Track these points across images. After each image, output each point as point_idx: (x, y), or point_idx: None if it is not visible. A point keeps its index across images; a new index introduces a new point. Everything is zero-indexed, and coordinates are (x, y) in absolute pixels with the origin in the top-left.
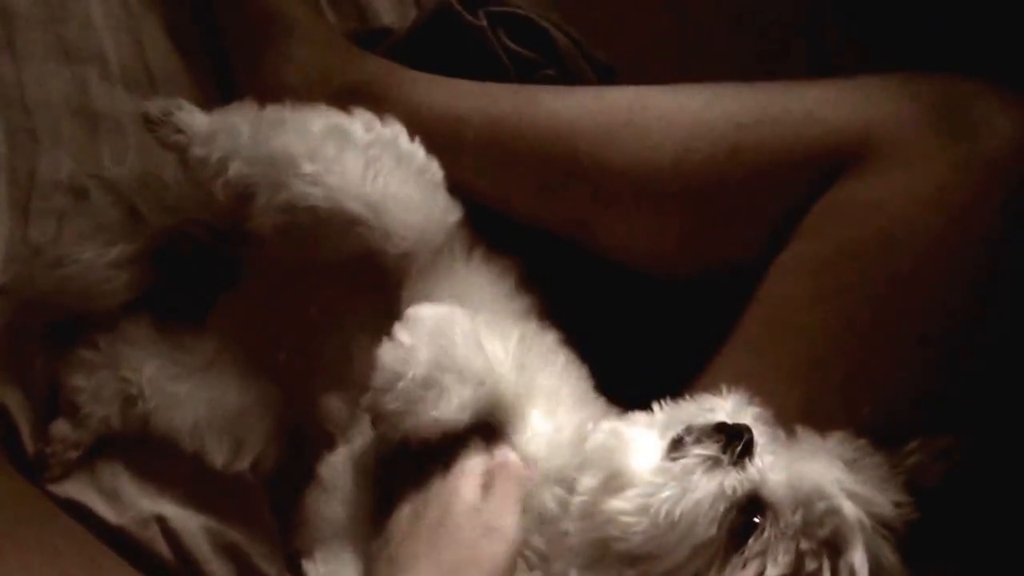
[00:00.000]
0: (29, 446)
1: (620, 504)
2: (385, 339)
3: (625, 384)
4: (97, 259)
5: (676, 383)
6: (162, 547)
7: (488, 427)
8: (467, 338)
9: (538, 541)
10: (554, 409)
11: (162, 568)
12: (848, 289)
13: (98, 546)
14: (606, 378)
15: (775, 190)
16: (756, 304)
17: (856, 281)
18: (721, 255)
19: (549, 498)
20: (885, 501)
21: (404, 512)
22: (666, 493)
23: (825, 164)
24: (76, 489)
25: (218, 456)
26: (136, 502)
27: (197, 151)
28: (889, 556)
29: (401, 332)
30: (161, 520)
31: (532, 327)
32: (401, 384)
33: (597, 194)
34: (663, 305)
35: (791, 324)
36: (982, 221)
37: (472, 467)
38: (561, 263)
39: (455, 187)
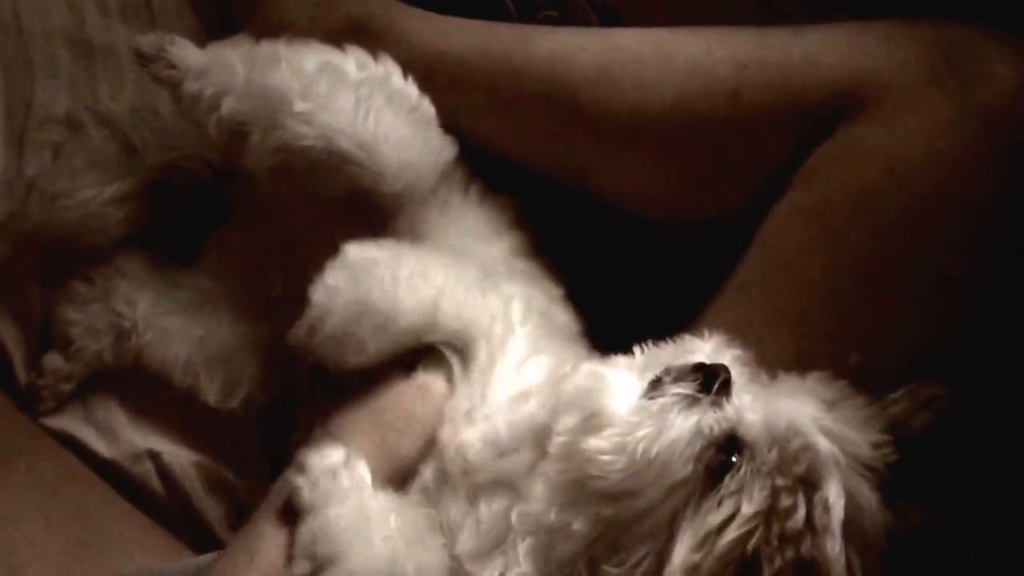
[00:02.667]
0: (22, 378)
1: (598, 443)
2: (317, 278)
3: (622, 331)
4: (93, 197)
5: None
6: (155, 482)
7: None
8: (391, 282)
9: (490, 463)
10: (533, 347)
11: (155, 503)
12: (842, 237)
13: (89, 481)
14: (602, 324)
15: (774, 135)
16: (751, 251)
17: (850, 229)
18: (720, 200)
19: (501, 425)
20: (863, 440)
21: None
22: (643, 431)
23: (824, 110)
24: (69, 422)
25: (210, 392)
26: (129, 437)
27: (190, 86)
28: (867, 494)
29: (330, 272)
30: (154, 455)
31: (506, 264)
32: (323, 329)
33: (597, 137)
34: (662, 252)
35: (784, 271)
36: (977, 170)
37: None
38: (559, 207)
39: (452, 128)
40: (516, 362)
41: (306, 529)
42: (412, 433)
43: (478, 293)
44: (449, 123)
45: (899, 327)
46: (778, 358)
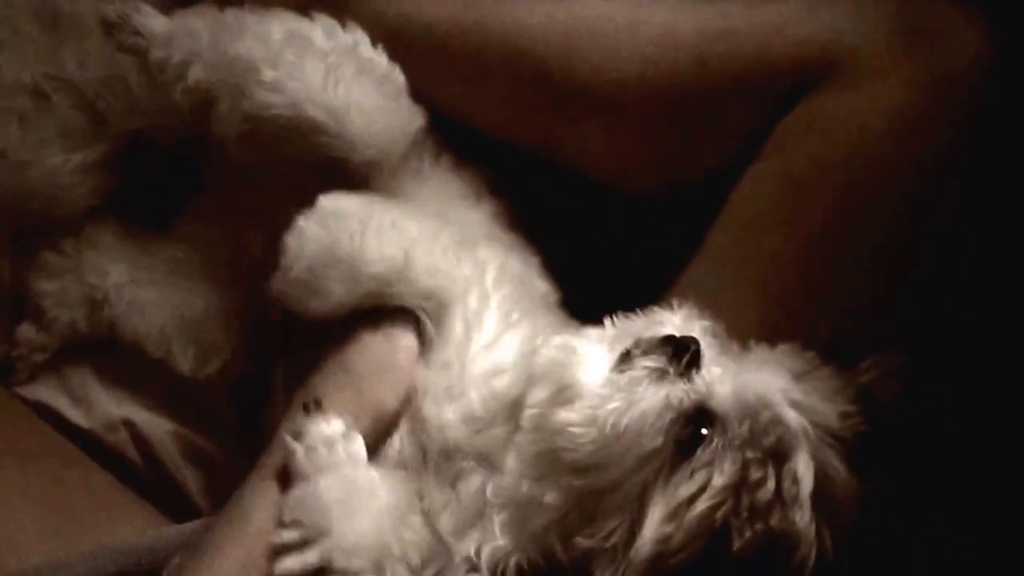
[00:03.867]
0: None
1: (568, 415)
2: (292, 225)
3: (595, 302)
4: (62, 165)
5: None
6: (131, 451)
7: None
8: (362, 231)
9: (467, 441)
10: (506, 319)
11: (132, 473)
12: (808, 205)
13: (67, 452)
14: (575, 295)
15: (742, 104)
16: (720, 220)
17: (818, 197)
18: (688, 169)
19: (475, 401)
20: (831, 411)
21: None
22: (613, 404)
23: (792, 78)
24: (45, 392)
25: (184, 362)
26: (104, 406)
27: (156, 54)
28: (836, 464)
29: (303, 219)
30: (129, 424)
31: (480, 231)
32: (291, 274)
33: (565, 107)
34: (634, 221)
35: (752, 240)
36: (940, 138)
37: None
38: (528, 177)
39: (421, 98)
40: (491, 336)
41: (296, 496)
42: (388, 382)
43: (453, 254)
44: (416, 91)
45: (866, 296)
46: (747, 327)
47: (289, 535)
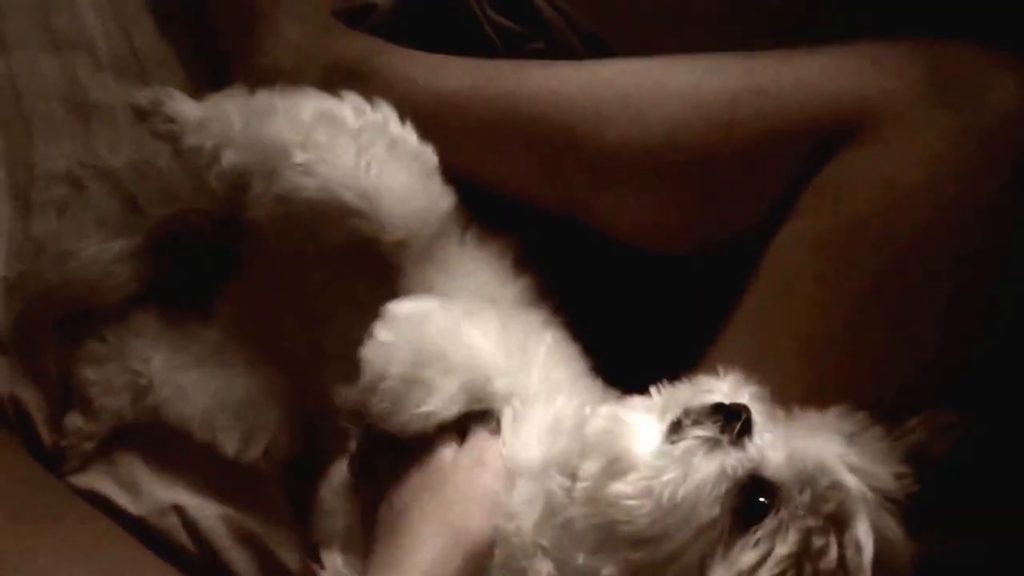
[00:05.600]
0: (47, 440)
1: (623, 488)
2: (367, 338)
3: (627, 367)
4: (100, 254)
5: (680, 366)
6: (182, 537)
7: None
8: (445, 331)
9: (547, 533)
10: (550, 395)
11: (184, 558)
12: (848, 265)
13: (122, 540)
14: (608, 361)
15: (772, 164)
16: (756, 283)
17: (856, 256)
18: (720, 231)
19: (555, 487)
20: (886, 474)
21: (390, 500)
22: (668, 476)
23: (822, 136)
24: (95, 480)
25: (229, 444)
26: (154, 492)
27: (190, 140)
28: (893, 528)
29: (381, 330)
30: (179, 509)
31: (519, 311)
32: (385, 384)
33: (593, 171)
34: (666, 284)
35: (792, 302)
36: (981, 191)
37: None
38: (558, 242)
39: (447, 166)
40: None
41: None
42: (476, 506)
43: (518, 348)
44: (441, 159)
45: (913, 353)
46: (792, 391)
47: None
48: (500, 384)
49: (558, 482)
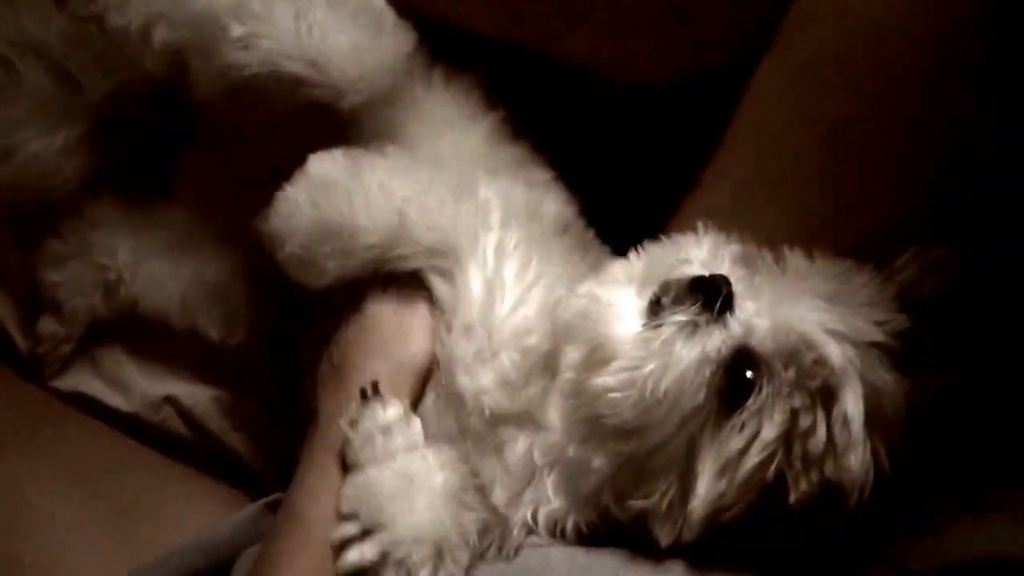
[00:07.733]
0: (22, 347)
1: (605, 381)
2: (279, 190)
3: (608, 215)
4: (45, 149)
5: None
6: (178, 425)
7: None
8: (348, 201)
9: (507, 405)
10: (521, 267)
11: (182, 447)
12: (825, 98)
13: (116, 440)
14: (587, 201)
15: None
16: (735, 124)
17: (831, 88)
18: (696, 61)
19: (507, 363)
20: (872, 324)
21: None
22: (649, 367)
23: None
24: (80, 381)
25: (212, 329)
26: (143, 386)
27: (114, 19)
28: (884, 376)
29: (290, 187)
30: (171, 400)
31: (491, 149)
32: (283, 253)
33: (564, 4)
34: (646, 126)
35: (773, 142)
36: (960, 14)
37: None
38: (526, 75)
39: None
40: (516, 296)
41: (352, 488)
42: (414, 336)
43: (451, 204)
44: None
45: (902, 185)
46: (779, 234)
47: (348, 529)
48: (422, 240)
49: (511, 359)
